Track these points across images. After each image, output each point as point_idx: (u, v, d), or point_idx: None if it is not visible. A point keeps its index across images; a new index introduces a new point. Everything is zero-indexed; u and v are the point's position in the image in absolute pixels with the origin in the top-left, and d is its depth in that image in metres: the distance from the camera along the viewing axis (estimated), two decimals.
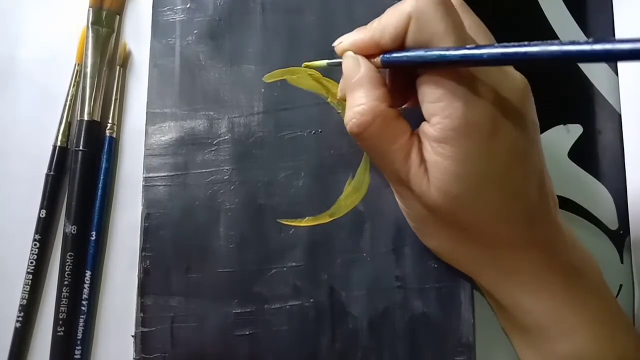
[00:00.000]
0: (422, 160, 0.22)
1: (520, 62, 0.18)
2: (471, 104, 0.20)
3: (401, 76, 0.24)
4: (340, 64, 0.24)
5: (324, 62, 0.27)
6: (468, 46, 0.19)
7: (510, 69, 0.22)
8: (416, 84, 0.22)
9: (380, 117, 0.22)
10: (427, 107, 0.21)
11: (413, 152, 0.22)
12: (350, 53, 0.24)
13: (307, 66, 0.28)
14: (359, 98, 0.23)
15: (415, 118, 0.23)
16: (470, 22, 0.23)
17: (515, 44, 0.17)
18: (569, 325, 0.23)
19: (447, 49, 0.20)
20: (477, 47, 0.18)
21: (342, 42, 0.24)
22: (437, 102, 0.21)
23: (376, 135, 0.22)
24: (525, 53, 0.17)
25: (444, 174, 0.21)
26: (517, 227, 0.22)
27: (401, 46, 0.22)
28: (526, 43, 0.17)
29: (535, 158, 0.22)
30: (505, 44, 0.18)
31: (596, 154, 0.31)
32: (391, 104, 0.23)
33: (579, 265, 0.24)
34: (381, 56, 0.23)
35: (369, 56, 0.23)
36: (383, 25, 0.22)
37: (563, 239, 0.24)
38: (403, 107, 0.25)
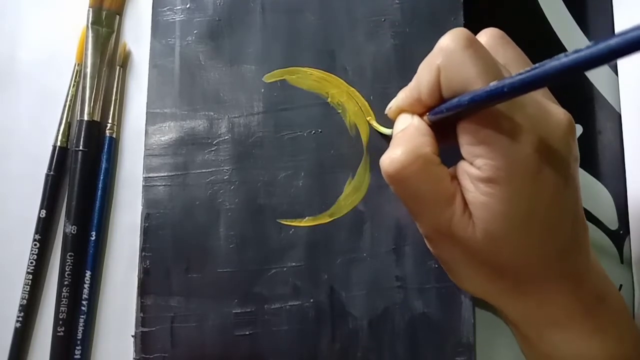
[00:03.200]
0: (465, 205, 0.22)
1: (540, 84, 0.17)
2: (515, 144, 0.20)
3: (450, 128, 0.23)
4: None
5: (390, 131, 0.26)
6: (492, 83, 0.19)
7: (553, 106, 0.22)
8: (457, 129, 0.21)
9: (422, 159, 0.21)
10: (469, 150, 0.21)
11: (457, 197, 0.22)
12: (405, 113, 0.24)
13: (374, 127, 0.28)
14: (401, 141, 0.22)
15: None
16: (513, 55, 0.23)
17: (529, 68, 0.17)
18: (588, 352, 0.23)
19: (476, 91, 0.19)
20: (500, 81, 0.18)
21: (392, 107, 0.24)
22: (480, 145, 0.20)
23: (417, 178, 0.22)
24: (537, 74, 0.16)
25: (491, 215, 0.21)
26: (551, 261, 0.22)
27: (440, 99, 0.22)
28: (537, 65, 0.16)
29: (573, 192, 0.22)
30: (522, 71, 0.17)
31: (596, 154, 0.31)
32: (437, 152, 0.22)
33: (602, 292, 0.24)
34: (427, 115, 0.23)
35: (419, 115, 0.23)
36: (419, 82, 0.22)
37: (591, 268, 0.23)
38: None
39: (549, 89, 0.24)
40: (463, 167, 0.22)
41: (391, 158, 0.22)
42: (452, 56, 0.20)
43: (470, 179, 0.21)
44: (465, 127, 0.21)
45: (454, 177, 0.22)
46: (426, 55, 0.22)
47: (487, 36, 0.23)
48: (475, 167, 0.21)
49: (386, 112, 0.25)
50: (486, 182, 0.21)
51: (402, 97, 0.24)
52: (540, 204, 0.21)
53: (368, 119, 0.28)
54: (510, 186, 0.20)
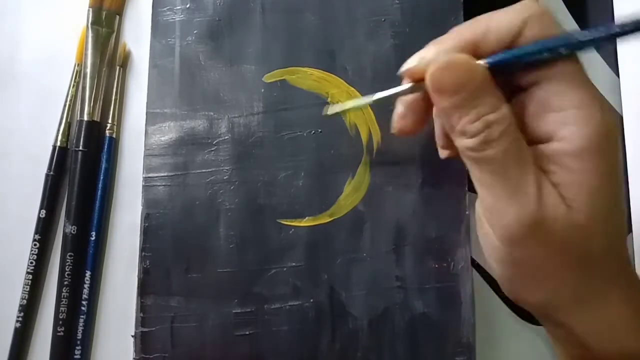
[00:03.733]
0: (554, 189, 0.19)
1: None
2: (605, 108, 0.19)
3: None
4: (396, 94, 0.21)
5: (354, 102, 0.25)
6: (586, 30, 0.19)
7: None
8: (530, 94, 0.20)
9: (516, 132, 0.19)
10: (556, 118, 0.19)
11: (545, 179, 0.19)
12: (459, 56, 0.19)
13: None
14: (485, 104, 0.19)
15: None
16: None
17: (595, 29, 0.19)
18: (622, 333, 0.21)
19: (573, 34, 0.19)
20: (590, 30, 0.19)
21: (424, 56, 0.20)
22: (573, 109, 0.19)
23: (510, 154, 0.19)
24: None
25: (588, 193, 0.19)
26: (619, 240, 0.20)
27: (506, 48, 0.19)
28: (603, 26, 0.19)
29: None
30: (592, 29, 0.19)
31: None
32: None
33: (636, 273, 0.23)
34: (487, 59, 0.19)
35: None
36: (488, 27, 0.20)
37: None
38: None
39: None
40: (540, 148, 0.19)
41: (486, 129, 0.18)
42: (546, 10, 0.19)
43: (554, 158, 0.19)
44: (552, 90, 0.19)
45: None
46: None
47: None
48: (562, 139, 0.19)
49: (408, 67, 0.21)
50: (580, 154, 0.18)
51: (451, 43, 0.20)
52: (620, 176, 0.20)
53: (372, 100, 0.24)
54: (602, 157, 0.18)
